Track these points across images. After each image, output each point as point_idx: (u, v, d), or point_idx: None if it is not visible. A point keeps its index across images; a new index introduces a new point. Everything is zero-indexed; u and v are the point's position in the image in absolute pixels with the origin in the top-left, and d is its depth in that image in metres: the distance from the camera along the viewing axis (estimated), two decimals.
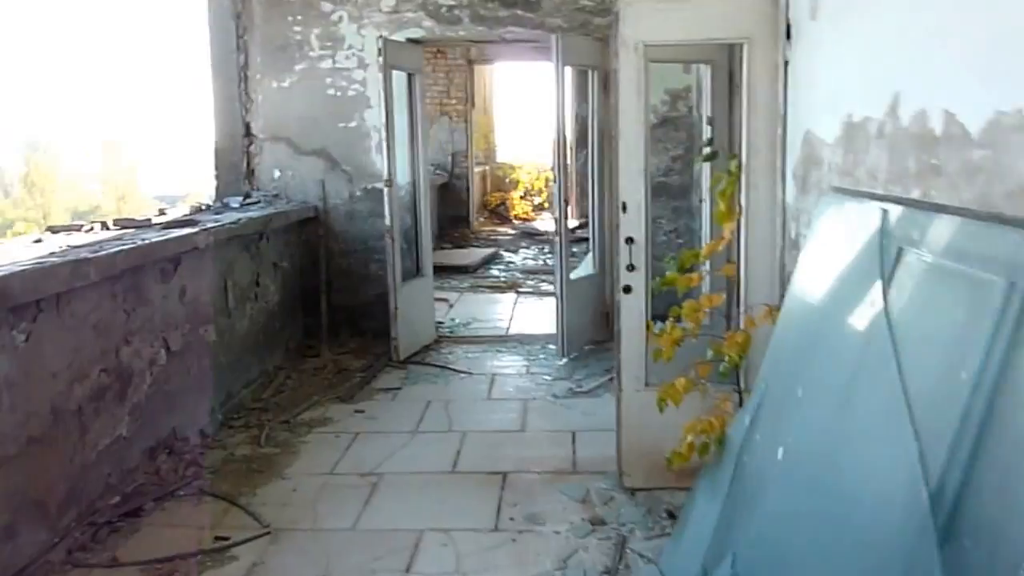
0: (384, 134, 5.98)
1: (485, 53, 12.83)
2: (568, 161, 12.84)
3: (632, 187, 3.88)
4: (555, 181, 6.05)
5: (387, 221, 6.05)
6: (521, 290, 8.80)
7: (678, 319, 3.75)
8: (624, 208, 3.89)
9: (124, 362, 3.94)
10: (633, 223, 3.90)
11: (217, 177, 6.46)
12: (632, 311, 3.95)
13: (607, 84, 6.47)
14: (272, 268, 5.92)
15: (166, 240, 4.13)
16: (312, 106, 6.40)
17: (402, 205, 6.42)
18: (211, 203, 6.17)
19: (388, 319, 6.14)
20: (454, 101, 12.97)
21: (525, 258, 10.96)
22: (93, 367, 3.69)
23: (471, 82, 13.19)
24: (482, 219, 14.07)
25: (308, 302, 6.46)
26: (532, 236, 12.53)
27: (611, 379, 5.64)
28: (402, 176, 6.39)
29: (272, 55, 6.33)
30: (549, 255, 11.05)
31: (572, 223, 13.21)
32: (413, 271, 6.57)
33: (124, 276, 3.88)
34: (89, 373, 3.66)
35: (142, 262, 3.95)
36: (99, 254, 3.53)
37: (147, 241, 3.98)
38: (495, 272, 9.95)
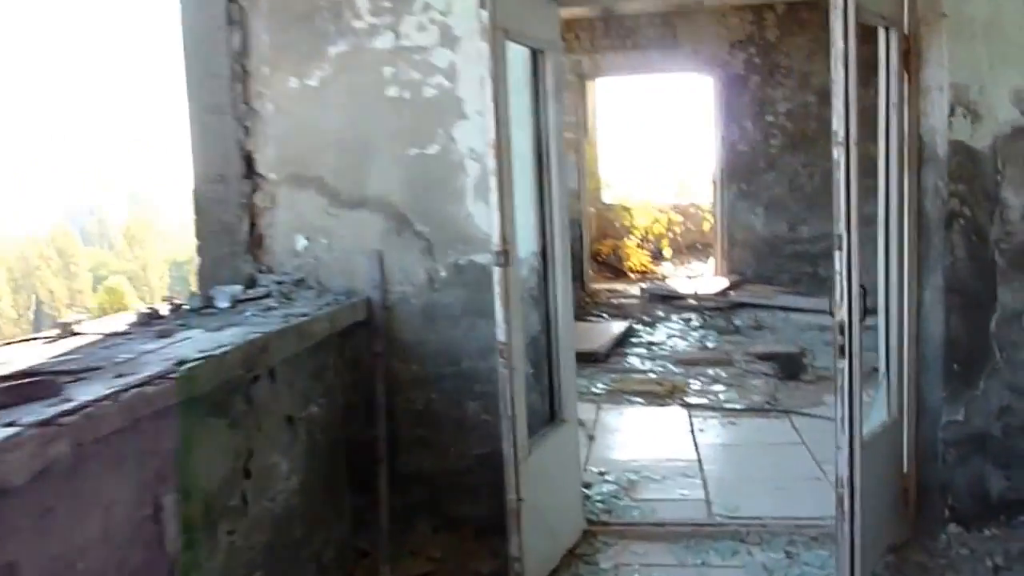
0: (492, 164, 3.10)
1: (600, 64, 9.97)
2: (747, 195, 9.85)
3: None
4: (840, 248, 2.99)
5: (500, 330, 3.13)
6: (689, 400, 5.73)
7: None
8: None
9: None
10: None
11: (200, 250, 3.67)
12: None
13: (908, 55, 3.44)
14: (285, 427, 3.06)
15: None
16: (360, 119, 3.56)
17: (525, 294, 3.51)
18: (181, 302, 3.38)
19: (501, 507, 3.20)
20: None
21: (670, 335, 7.87)
22: None
23: (584, 103, 10.29)
24: (591, 272, 11.11)
25: (358, 471, 3.58)
26: (667, 299, 9.42)
27: None
28: (524, 242, 3.48)
29: (288, 31, 3.53)
30: (702, 331, 7.94)
31: (716, 284, 10.01)
32: (546, 415, 3.60)
33: None
34: None
35: None
36: None
37: None
38: (635, 361, 6.88)
